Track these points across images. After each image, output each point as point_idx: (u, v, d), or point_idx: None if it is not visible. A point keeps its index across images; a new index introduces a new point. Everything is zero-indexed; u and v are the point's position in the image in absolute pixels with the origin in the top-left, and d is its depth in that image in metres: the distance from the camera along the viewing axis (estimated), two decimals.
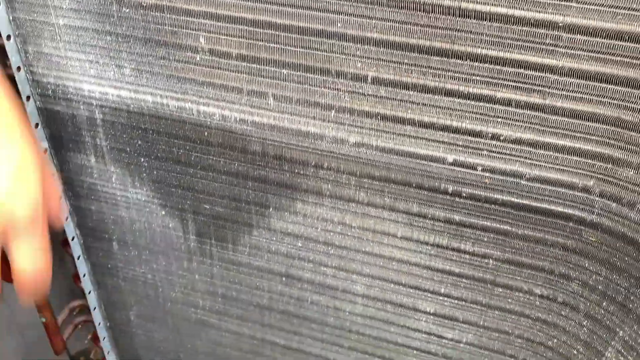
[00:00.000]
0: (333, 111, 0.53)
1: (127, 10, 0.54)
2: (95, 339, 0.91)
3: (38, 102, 0.65)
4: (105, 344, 0.91)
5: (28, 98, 0.64)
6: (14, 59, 0.61)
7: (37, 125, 0.66)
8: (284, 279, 0.70)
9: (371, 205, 0.59)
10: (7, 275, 0.46)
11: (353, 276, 0.65)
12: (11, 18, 0.59)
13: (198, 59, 0.55)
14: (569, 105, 0.46)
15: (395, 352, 0.70)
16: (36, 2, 0.57)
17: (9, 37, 0.60)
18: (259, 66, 0.53)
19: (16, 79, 0.62)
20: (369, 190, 0.58)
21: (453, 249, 0.59)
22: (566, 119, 0.47)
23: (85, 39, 0.58)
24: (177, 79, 0.57)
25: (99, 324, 0.88)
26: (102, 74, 0.60)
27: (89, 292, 0.84)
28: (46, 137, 0.68)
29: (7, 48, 0.60)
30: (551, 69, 0.45)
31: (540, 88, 0.46)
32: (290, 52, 0.51)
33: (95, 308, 0.86)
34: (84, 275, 0.82)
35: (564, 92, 0.46)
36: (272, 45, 0.51)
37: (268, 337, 0.77)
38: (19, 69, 0.62)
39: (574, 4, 0.42)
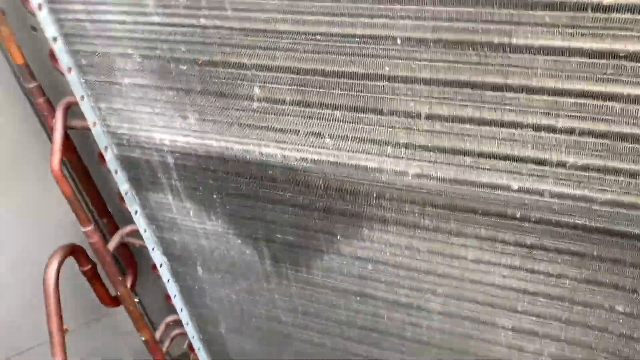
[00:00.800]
0: (389, 147, 0.54)
1: (184, 68, 0.56)
2: (191, 348, 0.98)
3: (115, 151, 0.69)
4: (201, 353, 0.97)
5: (106, 148, 0.69)
6: (89, 116, 0.66)
7: (116, 171, 0.71)
8: (358, 298, 0.71)
9: (437, 230, 0.58)
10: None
11: (427, 295, 0.66)
12: (83, 81, 0.63)
13: (255, 106, 0.57)
14: (635, 131, 0.43)
15: None
16: (103, 65, 0.61)
17: (82, 98, 0.64)
18: (312, 109, 0.54)
19: (93, 132, 0.67)
20: (433, 218, 0.57)
21: (527, 270, 0.57)
22: (633, 145, 0.44)
23: (150, 95, 0.61)
24: (238, 125, 0.59)
25: (193, 337, 0.94)
26: (170, 124, 0.63)
27: (181, 310, 0.90)
28: (126, 180, 0.72)
29: (82, 107, 0.65)
30: (615, 98, 0.42)
31: (604, 116, 0.44)
32: (341, 95, 0.52)
33: (187, 323, 0.92)
34: (175, 296, 0.88)
35: (630, 119, 0.43)
36: (322, 90, 0.52)
37: (349, 349, 0.80)
38: (94, 124, 0.66)
39: (634, 33, 0.39)
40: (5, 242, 0.85)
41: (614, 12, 0.39)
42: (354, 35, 0.47)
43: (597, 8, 0.39)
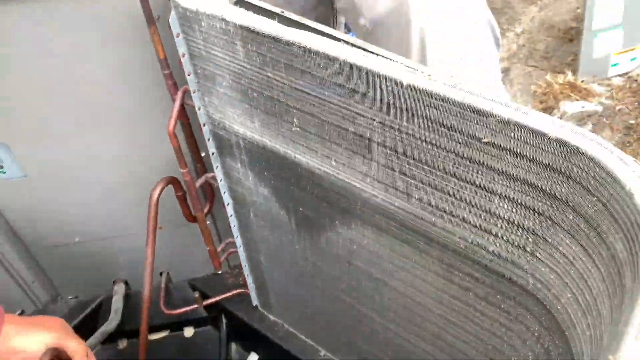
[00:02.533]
0: (368, 178, 0.82)
1: (256, 95, 0.87)
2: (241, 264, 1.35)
3: (209, 127, 1.03)
4: (246, 269, 1.34)
5: (204, 124, 1.02)
6: (196, 102, 0.99)
7: (208, 139, 1.05)
8: (347, 263, 1.02)
9: (393, 235, 0.87)
10: None
11: (386, 273, 0.95)
12: (195, 81, 0.96)
13: (293, 129, 0.86)
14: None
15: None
16: (209, 77, 0.93)
17: (194, 91, 0.97)
18: (325, 140, 0.83)
19: (197, 113, 1.00)
20: (391, 226, 0.86)
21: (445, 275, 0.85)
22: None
23: (234, 102, 0.93)
24: (283, 135, 0.90)
25: (242, 256, 1.30)
26: (243, 122, 0.95)
27: (236, 237, 1.26)
28: (213, 146, 1.06)
29: (193, 97, 0.98)
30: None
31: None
32: (341, 136, 0.80)
33: (240, 246, 1.28)
34: (234, 226, 1.23)
35: None
36: (331, 130, 0.81)
37: (340, 296, 1.11)
38: (199, 108, 1.00)
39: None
40: (130, 160, 1.23)
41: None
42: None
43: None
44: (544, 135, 0.58)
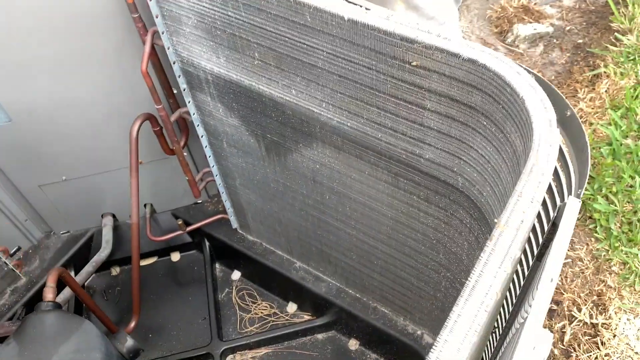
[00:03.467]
0: (324, 103, 0.94)
1: (219, 33, 0.97)
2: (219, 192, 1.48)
3: (179, 65, 1.13)
4: (224, 196, 1.47)
5: (174, 62, 1.12)
6: (165, 42, 1.08)
7: (179, 76, 1.15)
8: (312, 181, 1.16)
9: (348, 152, 1.00)
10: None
11: (345, 185, 1.09)
12: (163, 22, 1.05)
13: (255, 62, 0.97)
14: None
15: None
16: (175, 18, 1.02)
17: (162, 32, 1.06)
18: (287, 72, 0.94)
19: (167, 52, 1.10)
20: (345, 144, 0.99)
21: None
22: None
23: (200, 40, 1.02)
24: (246, 69, 1.00)
25: (219, 184, 1.43)
26: (209, 58, 1.05)
27: (212, 166, 1.38)
28: (185, 82, 1.16)
29: (162, 37, 1.07)
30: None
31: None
32: (302, 67, 0.91)
33: (216, 175, 1.41)
34: (209, 157, 1.35)
35: None
36: (294, 62, 0.92)
37: (309, 211, 1.26)
38: (168, 48, 1.09)
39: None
40: (108, 100, 1.33)
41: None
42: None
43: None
44: (458, 55, 0.70)
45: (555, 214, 0.64)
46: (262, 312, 1.55)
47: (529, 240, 0.66)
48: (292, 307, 1.54)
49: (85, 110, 1.32)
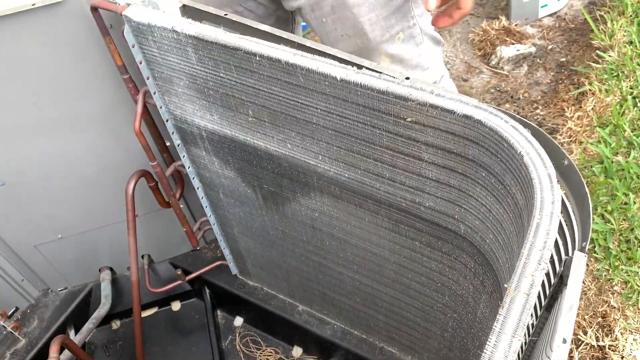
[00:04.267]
0: (320, 156, 0.94)
1: (212, 92, 0.97)
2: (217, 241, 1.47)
3: (172, 122, 1.13)
4: (222, 243, 1.46)
5: (167, 120, 1.12)
6: (157, 102, 1.09)
7: (172, 132, 1.15)
8: (311, 228, 1.15)
9: (348, 201, 1.00)
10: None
11: (347, 232, 1.09)
12: (155, 83, 1.05)
13: (249, 119, 0.98)
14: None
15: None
16: (167, 79, 1.02)
17: (154, 93, 1.07)
18: (280, 127, 0.95)
19: (159, 111, 1.10)
20: (343, 193, 0.99)
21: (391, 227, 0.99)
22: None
23: (193, 99, 1.03)
24: (241, 125, 1.01)
25: (217, 233, 1.43)
26: (203, 115, 1.05)
27: (210, 215, 1.38)
28: (179, 138, 1.16)
29: (154, 97, 1.08)
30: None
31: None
32: (296, 123, 0.92)
33: (214, 224, 1.40)
34: (206, 207, 1.35)
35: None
36: (287, 115, 0.92)
37: (310, 256, 1.25)
38: (161, 107, 1.09)
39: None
40: (102, 158, 1.32)
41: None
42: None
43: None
44: (453, 112, 0.71)
45: (562, 268, 0.64)
46: (267, 358, 1.54)
47: (537, 295, 0.66)
48: (297, 351, 1.53)
49: (79, 169, 1.32)
